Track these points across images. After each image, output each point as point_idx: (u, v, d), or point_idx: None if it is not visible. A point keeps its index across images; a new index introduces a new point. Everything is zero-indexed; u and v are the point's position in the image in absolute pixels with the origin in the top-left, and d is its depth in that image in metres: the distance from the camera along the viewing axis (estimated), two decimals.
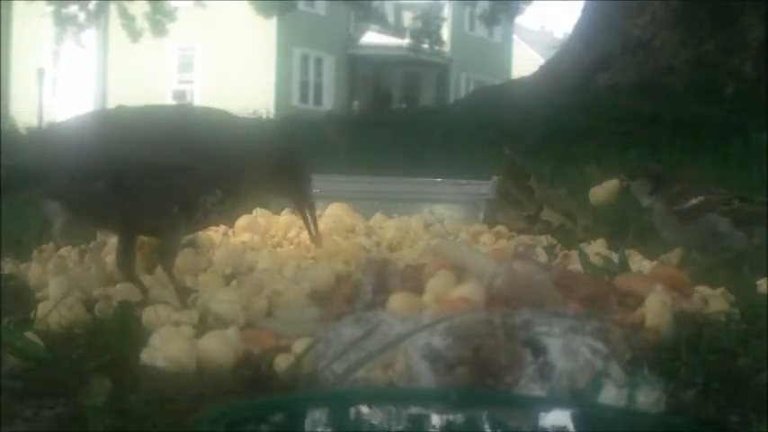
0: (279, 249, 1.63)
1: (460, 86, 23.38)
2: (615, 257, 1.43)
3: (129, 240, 1.26)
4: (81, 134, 1.20)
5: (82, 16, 14.31)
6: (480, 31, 22.94)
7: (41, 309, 1.15)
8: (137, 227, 1.25)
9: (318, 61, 21.74)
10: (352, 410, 0.75)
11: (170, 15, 14.28)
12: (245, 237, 1.70)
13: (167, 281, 1.26)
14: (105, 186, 1.17)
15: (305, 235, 1.65)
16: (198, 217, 1.24)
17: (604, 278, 1.28)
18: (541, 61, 9.11)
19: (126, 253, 1.26)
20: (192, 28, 17.64)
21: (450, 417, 0.75)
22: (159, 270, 1.30)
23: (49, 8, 14.10)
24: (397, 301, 1.12)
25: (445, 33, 21.77)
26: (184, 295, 1.23)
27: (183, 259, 1.37)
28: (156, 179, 1.18)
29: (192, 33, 18.24)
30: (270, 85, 19.67)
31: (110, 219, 1.24)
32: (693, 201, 1.55)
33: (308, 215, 1.37)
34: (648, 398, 0.83)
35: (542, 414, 0.76)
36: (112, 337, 1.00)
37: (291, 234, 1.69)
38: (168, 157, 1.18)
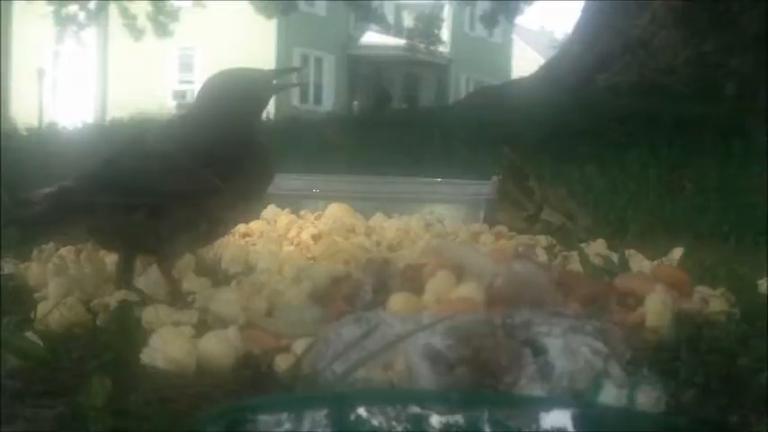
0: (279, 249, 1.63)
1: (460, 86, 23.38)
2: (615, 257, 1.43)
3: (132, 257, 1.27)
4: (117, 165, 1.21)
5: (82, 15, 14.30)
6: (480, 31, 22.92)
7: (41, 309, 1.15)
8: (162, 248, 1.25)
9: (318, 61, 21.73)
10: (352, 410, 0.75)
11: (173, 16, 14.27)
12: (247, 236, 1.70)
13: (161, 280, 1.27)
14: (144, 217, 1.18)
15: (305, 235, 1.65)
16: (220, 231, 1.28)
17: (604, 278, 1.28)
18: (541, 61, 9.12)
19: (127, 268, 1.27)
20: (192, 28, 17.63)
21: (451, 417, 0.75)
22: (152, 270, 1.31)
23: (50, 8, 14.08)
24: (397, 301, 1.12)
25: (445, 34, 21.78)
26: (178, 298, 1.23)
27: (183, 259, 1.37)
28: (188, 204, 1.21)
29: (192, 33, 18.22)
30: None
31: (138, 244, 1.25)
32: None
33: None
34: (648, 398, 0.83)
35: (542, 414, 0.76)
36: (112, 338, 1.00)
37: (291, 234, 1.69)
38: (199, 182, 1.20)
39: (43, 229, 1.20)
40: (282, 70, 1.41)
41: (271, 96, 1.33)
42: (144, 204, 1.18)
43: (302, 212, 1.82)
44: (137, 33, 14.18)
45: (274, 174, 1.33)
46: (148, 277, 1.29)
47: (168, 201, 1.19)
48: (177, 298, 1.23)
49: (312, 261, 1.47)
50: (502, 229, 1.81)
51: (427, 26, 19.80)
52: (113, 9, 14.91)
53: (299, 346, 0.97)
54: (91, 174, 1.21)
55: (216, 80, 1.28)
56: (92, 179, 1.19)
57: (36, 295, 1.28)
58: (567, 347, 0.85)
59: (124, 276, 1.26)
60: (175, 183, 1.20)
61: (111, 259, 1.37)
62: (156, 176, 1.19)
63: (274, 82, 1.33)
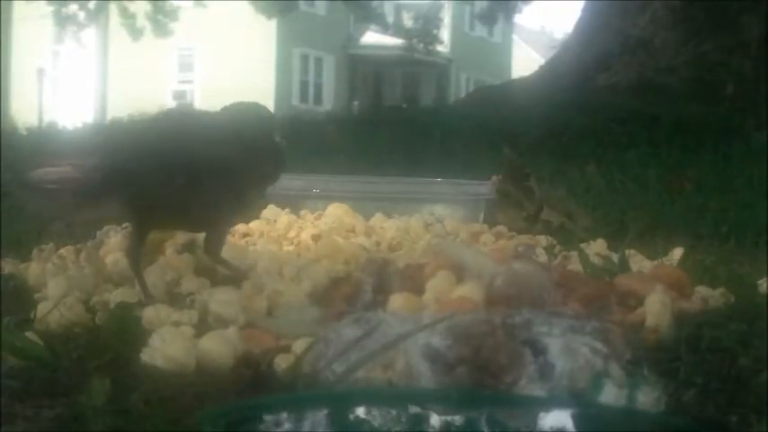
0: (279, 249, 1.63)
1: (460, 86, 23.38)
2: (615, 257, 1.43)
3: (144, 234, 1.30)
4: (151, 136, 1.28)
5: (82, 15, 14.29)
6: (480, 31, 22.95)
7: (41, 309, 1.15)
8: (193, 225, 1.32)
9: (318, 61, 21.73)
10: (352, 410, 0.75)
11: (172, 15, 14.26)
12: (247, 236, 1.70)
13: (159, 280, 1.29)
14: (184, 185, 1.23)
15: (305, 235, 1.65)
16: (243, 205, 1.35)
17: (604, 278, 1.28)
18: (541, 61, 9.11)
19: (138, 244, 1.29)
20: (192, 28, 17.62)
21: (450, 417, 0.75)
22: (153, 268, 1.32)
23: (49, 8, 14.08)
24: (397, 301, 1.12)
25: (445, 33, 21.76)
26: (240, 275, 1.29)
27: (182, 259, 1.37)
28: (223, 177, 1.26)
29: (192, 33, 18.22)
30: (270, 85, 19.67)
31: (171, 220, 1.30)
32: None
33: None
34: (648, 398, 0.83)
35: (542, 414, 0.76)
36: (112, 337, 1.00)
37: (291, 234, 1.69)
38: (232, 156, 1.26)
39: (87, 203, 1.22)
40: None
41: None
42: (183, 173, 1.23)
43: (302, 212, 1.82)
44: (136, 33, 14.18)
45: (286, 162, 1.40)
46: (147, 278, 1.29)
47: (204, 171, 1.24)
48: (237, 274, 1.29)
49: (312, 261, 1.47)
50: (502, 229, 1.81)
51: (427, 26, 19.76)
52: (113, 9, 14.92)
53: (299, 346, 0.97)
54: (130, 145, 1.26)
55: (234, 112, 1.34)
56: (132, 150, 1.24)
57: (36, 295, 1.28)
58: (567, 347, 0.85)
59: (134, 250, 1.28)
60: (212, 152, 1.25)
61: (111, 259, 1.37)
62: (194, 146, 1.25)
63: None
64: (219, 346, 0.99)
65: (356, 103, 15.47)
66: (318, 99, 20.96)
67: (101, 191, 1.20)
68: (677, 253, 1.53)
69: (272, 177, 1.37)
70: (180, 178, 1.23)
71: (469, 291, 1.12)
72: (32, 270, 1.40)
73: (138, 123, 1.40)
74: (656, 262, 1.49)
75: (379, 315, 0.95)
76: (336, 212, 1.79)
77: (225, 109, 1.34)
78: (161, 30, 14.22)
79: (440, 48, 21.03)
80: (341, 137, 4.59)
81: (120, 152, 1.24)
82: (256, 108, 1.35)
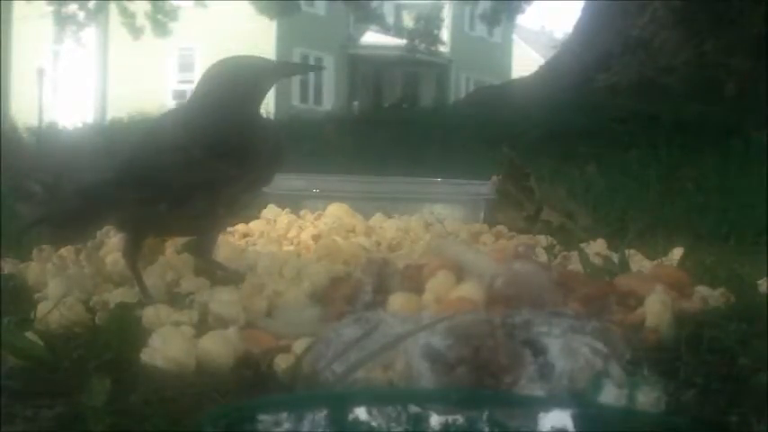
0: (279, 249, 1.63)
1: (460, 86, 23.38)
2: (615, 257, 1.43)
3: (140, 241, 1.30)
4: (139, 161, 1.26)
5: (82, 15, 14.28)
6: (480, 31, 22.94)
7: (41, 309, 1.15)
8: (186, 232, 1.34)
9: (318, 61, 21.73)
10: (352, 411, 0.75)
11: (171, 15, 14.26)
12: (247, 237, 1.70)
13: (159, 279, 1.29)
14: (168, 207, 1.23)
15: (305, 235, 1.65)
16: (236, 210, 1.35)
17: (604, 278, 1.28)
18: (541, 61, 9.11)
19: (134, 248, 1.29)
20: (192, 28, 17.62)
21: (450, 417, 0.75)
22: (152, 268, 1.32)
23: (49, 8, 14.07)
24: (397, 301, 1.12)
25: (445, 33, 21.76)
26: (234, 276, 1.29)
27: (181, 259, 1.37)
28: (209, 192, 1.25)
29: (192, 33, 18.22)
30: None
31: (163, 231, 1.33)
32: None
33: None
34: (648, 398, 0.83)
35: (542, 414, 0.76)
36: (112, 337, 1.00)
37: (291, 234, 1.69)
38: (219, 171, 1.25)
39: (75, 226, 1.24)
40: (296, 66, 1.45)
41: (271, 84, 1.35)
42: (166, 196, 1.23)
43: (302, 212, 1.82)
44: (135, 32, 14.17)
45: (285, 155, 1.36)
46: (147, 278, 1.29)
47: (187, 191, 1.24)
48: (232, 276, 1.29)
49: (312, 261, 1.47)
50: (502, 229, 1.80)
51: (427, 26, 19.76)
52: (113, 9, 14.91)
53: (299, 346, 0.97)
54: (115, 170, 1.24)
55: (216, 68, 1.32)
56: (117, 175, 1.23)
57: (36, 295, 1.28)
58: (567, 347, 0.85)
59: (132, 252, 1.29)
60: (193, 175, 1.24)
61: (111, 259, 1.37)
62: (175, 170, 1.23)
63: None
64: (219, 347, 0.99)
65: (356, 103, 15.46)
66: (318, 99, 20.96)
67: (88, 212, 1.21)
68: (677, 253, 1.53)
69: (267, 179, 1.35)
70: (168, 197, 1.23)
71: (469, 291, 1.12)
72: (32, 270, 1.40)
73: (123, 143, 1.40)
74: (656, 262, 1.49)
75: (379, 315, 0.95)
76: (336, 212, 1.79)
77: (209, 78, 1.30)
78: (161, 29, 14.21)
79: (440, 48, 21.03)
80: (341, 137, 4.59)
81: (105, 175, 1.23)
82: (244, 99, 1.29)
